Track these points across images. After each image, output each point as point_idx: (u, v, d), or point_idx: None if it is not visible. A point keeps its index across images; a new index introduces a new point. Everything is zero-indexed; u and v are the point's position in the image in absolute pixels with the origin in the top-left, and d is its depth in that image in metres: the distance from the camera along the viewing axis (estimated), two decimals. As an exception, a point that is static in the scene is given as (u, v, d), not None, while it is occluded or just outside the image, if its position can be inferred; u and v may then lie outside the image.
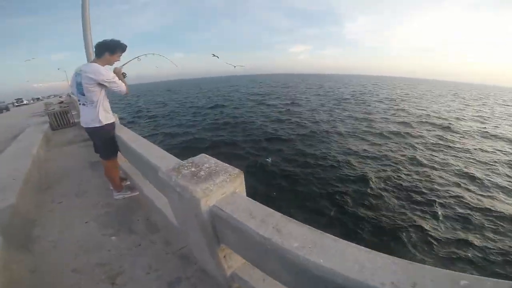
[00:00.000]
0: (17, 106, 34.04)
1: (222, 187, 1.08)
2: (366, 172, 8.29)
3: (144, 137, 2.64)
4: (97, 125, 2.46)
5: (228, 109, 21.52)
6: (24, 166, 3.28)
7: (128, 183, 2.99)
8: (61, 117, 7.84)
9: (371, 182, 7.59)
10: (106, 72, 2.30)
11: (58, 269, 1.84)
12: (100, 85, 2.32)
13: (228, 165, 1.19)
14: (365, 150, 10.72)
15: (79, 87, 2.33)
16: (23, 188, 2.70)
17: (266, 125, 14.87)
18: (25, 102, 37.71)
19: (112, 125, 2.61)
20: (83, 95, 2.33)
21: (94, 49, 2.43)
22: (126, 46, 2.47)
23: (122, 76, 2.62)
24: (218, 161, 1.25)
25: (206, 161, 1.26)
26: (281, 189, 7.25)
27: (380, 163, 9.39)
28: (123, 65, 2.82)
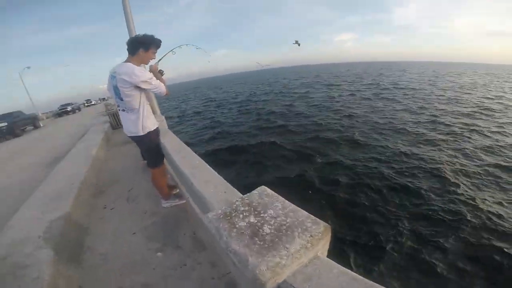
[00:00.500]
0: (87, 106, 38.16)
1: (300, 257, 0.74)
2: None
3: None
4: (141, 133, 2.24)
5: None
6: (83, 170, 3.39)
7: (178, 191, 2.78)
8: (119, 117, 8.24)
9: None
10: (141, 73, 2.00)
11: (104, 286, 1.75)
12: (138, 88, 2.05)
13: (306, 214, 0.84)
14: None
15: (116, 91, 2.08)
16: (79, 194, 2.74)
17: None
18: (93, 102, 42.00)
19: (156, 132, 2.40)
20: (122, 100, 2.09)
21: (127, 47, 2.12)
22: (161, 42, 2.20)
23: (159, 74, 2.39)
24: (288, 203, 0.90)
25: (270, 202, 0.92)
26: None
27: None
28: (158, 61, 2.58)
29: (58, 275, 1.64)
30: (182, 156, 1.94)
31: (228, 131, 12.09)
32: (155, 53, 2.21)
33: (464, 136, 9.11)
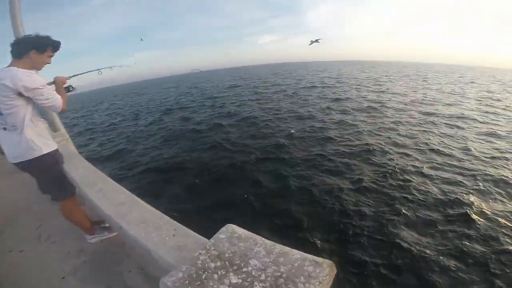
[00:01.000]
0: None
1: None
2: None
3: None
4: (29, 157, 1.68)
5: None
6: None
7: (107, 225, 2.18)
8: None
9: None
10: (29, 77, 1.54)
11: None
12: (22, 96, 1.57)
13: (300, 254, 0.60)
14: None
15: None
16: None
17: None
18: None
19: (53, 156, 1.83)
20: (1, 114, 1.57)
21: (11, 49, 1.63)
22: (60, 44, 1.75)
23: (63, 88, 1.91)
24: (271, 244, 0.65)
25: (247, 248, 0.66)
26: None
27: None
28: (73, 76, 2.15)
29: None
30: (99, 189, 1.44)
31: (150, 146, 10.08)
32: (51, 56, 1.75)
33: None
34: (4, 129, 1.62)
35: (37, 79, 1.59)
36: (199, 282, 0.61)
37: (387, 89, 20.43)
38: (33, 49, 1.62)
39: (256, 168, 6.91)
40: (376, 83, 25.34)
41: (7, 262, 2.00)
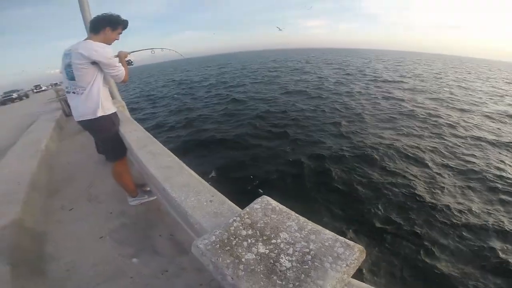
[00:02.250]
0: (36, 92, 33.86)
1: None
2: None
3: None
4: (91, 116, 1.88)
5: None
6: (31, 166, 2.84)
7: (148, 189, 2.38)
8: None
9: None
10: (101, 49, 1.75)
11: None
12: (95, 65, 1.77)
13: (333, 235, 0.60)
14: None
15: (67, 70, 1.78)
16: (29, 195, 2.28)
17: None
18: (43, 88, 37.30)
19: (113, 118, 2.03)
20: (73, 79, 1.79)
21: (89, 25, 1.88)
22: (128, 23, 1.99)
23: (125, 62, 2.09)
24: (305, 220, 0.64)
25: (280, 221, 0.66)
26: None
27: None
28: (132, 51, 2.31)
29: None
30: (149, 152, 1.55)
31: (201, 118, 11.17)
32: (120, 34, 1.99)
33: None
34: (74, 92, 1.84)
35: (108, 51, 1.80)
36: (229, 248, 0.63)
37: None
38: (108, 26, 1.86)
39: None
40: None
41: (56, 220, 2.21)
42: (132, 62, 2.30)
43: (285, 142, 7.94)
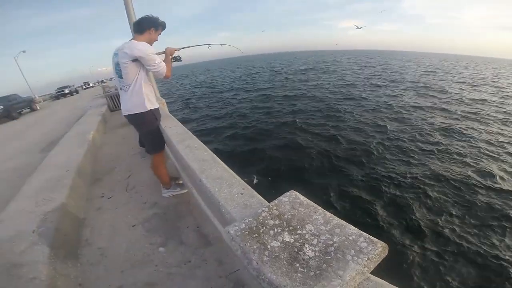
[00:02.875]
0: (85, 88, 37.15)
1: (353, 285, 0.54)
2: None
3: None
4: (135, 111, 2.03)
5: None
6: (78, 156, 3.14)
7: (181, 182, 2.52)
8: (117, 99, 7.90)
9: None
10: (142, 46, 1.87)
11: (104, 284, 1.57)
12: (137, 62, 1.90)
13: (357, 231, 0.62)
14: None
15: (117, 69, 1.96)
16: (75, 182, 2.50)
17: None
18: (91, 85, 40.78)
19: (155, 113, 2.16)
20: (122, 77, 1.95)
21: (134, 26, 2.06)
22: (166, 25, 2.14)
23: (170, 58, 2.22)
24: (331, 216, 0.68)
25: (306, 214, 0.70)
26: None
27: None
28: (183, 48, 2.42)
29: (56, 274, 1.46)
30: (187, 146, 1.66)
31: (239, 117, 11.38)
32: (160, 34, 2.14)
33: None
34: (122, 89, 2.02)
35: (148, 48, 1.90)
36: (257, 235, 0.67)
37: None
38: (152, 27, 2.02)
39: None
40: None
41: (96, 207, 2.40)
42: (180, 58, 2.36)
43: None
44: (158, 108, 2.23)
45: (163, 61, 2.06)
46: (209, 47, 2.88)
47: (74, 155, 3.18)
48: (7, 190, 2.94)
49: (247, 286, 1.42)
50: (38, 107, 16.45)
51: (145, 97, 2.03)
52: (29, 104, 15.48)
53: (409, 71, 30.44)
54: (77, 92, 27.80)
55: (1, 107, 12.13)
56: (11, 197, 2.29)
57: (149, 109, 2.07)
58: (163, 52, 2.23)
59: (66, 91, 25.28)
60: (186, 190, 2.38)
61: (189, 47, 2.59)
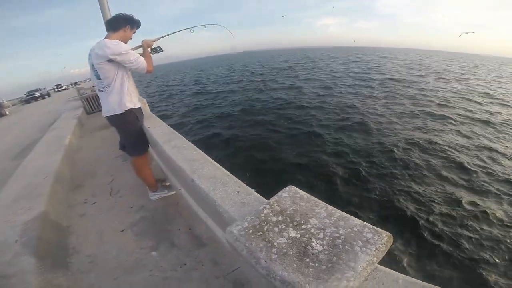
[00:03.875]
0: (57, 91, 35.30)
1: (365, 276, 0.54)
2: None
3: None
4: (116, 112, 1.93)
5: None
6: (55, 161, 2.98)
7: (168, 184, 2.45)
8: (93, 101, 7.59)
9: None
10: (114, 45, 1.77)
11: None
12: (112, 62, 1.80)
13: (360, 222, 0.62)
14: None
15: (93, 70, 1.86)
16: (54, 189, 2.37)
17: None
18: (64, 87, 38.78)
19: (137, 113, 2.08)
20: (99, 78, 1.87)
21: (107, 24, 1.97)
22: (140, 23, 2.07)
23: (148, 50, 2.13)
24: (332, 208, 0.68)
25: (308, 208, 0.69)
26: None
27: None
28: (160, 37, 2.28)
29: (47, 284, 1.40)
30: (174, 146, 1.60)
31: (218, 115, 11.41)
32: (134, 33, 2.07)
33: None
34: (101, 91, 1.92)
35: (121, 46, 1.81)
36: (261, 233, 0.66)
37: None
38: (127, 25, 1.95)
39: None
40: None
41: (79, 213, 2.29)
42: (161, 49, 2.23)
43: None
44: (140, 107, 2.15)
45: (141, 55, 1.99)
46: (191, 31, 2.67)
47: (50, 161, 3.01)
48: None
49: (247, 285, 1.40)
50: (7, 112, 15.51)
51: (126, 96, 1.95)
52: (-3, 109, 14.57)
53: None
54: (49, 95, 26.41)
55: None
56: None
57: (130, 107, 1.98)
58: (140, 46, 2.12)
59: (37, 94, 24.04)
60: (174, 192, 2.32)
61: (168, 35, 2.44)
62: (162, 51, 2.23)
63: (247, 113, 11.26)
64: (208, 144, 7.79)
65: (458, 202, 4.92)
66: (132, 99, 2.01)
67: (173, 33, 2.57)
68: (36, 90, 25.21)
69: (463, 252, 3.87)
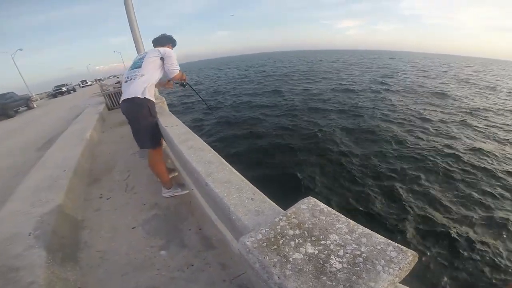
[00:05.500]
0: (82, 87, 36.93)
1: None
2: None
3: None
4: (138, 95, 2.08)
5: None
6: (76, 155, 3.07)
7: (176, 173, 2.55)
8: (115, 97, 7.82)
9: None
10: (169, 51, 2.24)
11: None
12: (162, 61, 2.21)
13: (384, 239, 0.57)
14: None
15: (138, 62, 2.19)
16: (72, 182, 2.43)
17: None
18: (88, 83, 40.55)
19: (148, 105, 2.17)
20: (139, 67, 2.15)
21: (156, 41, 2.48)
22: (176, 42, 2.56)
23: (181, 76, 2.46)
24: (355, 224, 0.63)
25: (329, 223, 0.64)
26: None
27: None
28: (191, 87, 2.81)
29: (54, 278, 1.39)
30: (190, 147, 1.59)
31: (234, 118, 11.22)
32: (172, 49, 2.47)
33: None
34: (131, 79, 2.12)
35: (173, 52, 2.26)
36: (276, 246, 0.62)
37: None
38: (170, 43, 2.46)
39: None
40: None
41: (94, 208, 2.33)
42: (185, 85, 2.67)
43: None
44: (154, 103, 2.26)
45: (180, 73, 2.35)
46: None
47: (71, 154, 3.11)
48: (2, 190, 2.87)
49: (252, 290, 1.37)
50: (35, 105, 16.34)
51: (148, 89, 2.13)
52: (26, 103, 15.33)
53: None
54: (74, 90, 27.63)
55: (-3, 105, 12.01)
56: (7, 197, 2.21)
57: (145, 97, 2.12)
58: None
59: (64, 89, 25.15)
60: (187, 191, 2.33)
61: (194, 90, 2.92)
62: (184, 87, 2.71)
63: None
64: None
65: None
66: (150, 94, 2.18)
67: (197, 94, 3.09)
68: (63, 85, 26.44)
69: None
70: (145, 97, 2.10)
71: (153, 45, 2.45)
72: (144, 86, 2.11)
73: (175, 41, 2.52)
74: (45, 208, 1.95)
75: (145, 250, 1.78)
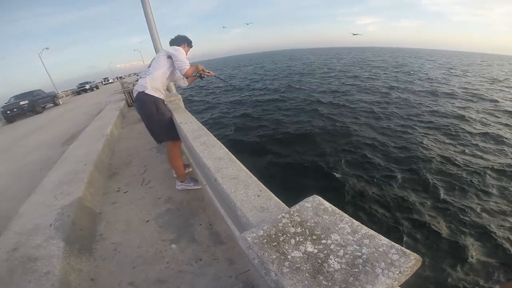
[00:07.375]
0: (104, 84, 38.34)
1: None
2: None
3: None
4: (141, 90, 2.22)
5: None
6: (96, 150, 3.20)
7: (191, 169, 2.62)
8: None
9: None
10: (176, 48, 2.27)
11: (116, 280, 1.58)
12: (169, 60, 2.28)
13: (387, 241, 0.56)
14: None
15: (151, 62, 2.36)
16: (92, 176, 2.54)
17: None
18: (110, 81, 42.01)
19: (154, 101, 2.27)
20: (149, 67, 2.32)
21: (172, 42, 2.51)
22: (192, 43, 2.60)
23: (196, 69, 2.47)
24: (358, 224, 0.62)
25: (332, 222, 0.63)
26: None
27: None
28: (211, 75, 2.72)
29: (69, 269, 1.47)
30: (203, 143, 1.63)
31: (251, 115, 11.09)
32: (188, 51, 2.56)
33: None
34: (142, 77, 2.28)
35: (180, 48, 2.28)
36: (276, 243, 0.63)
37: None
38: (186, 42, 2.49)
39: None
40: None
41: (111, 201, 2.42)
42: (203, 77, 2.66)
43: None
44: (163, 100, 2.40)
45: (191, 68, 2.32)
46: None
47: (92, 149, 3.25)
48: (29, 183, 3.04)
49: (256, 287, 1.38)
50: (60, 102, 17.14)
51: (155, 85, 2.26)
52: (53, 99, 16.13)
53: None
54: (97, 87, 28.68)
55: (26, 102, 12.67)
56: (32, 190, 2.36)
57: (151, 93, 2.23)
58: (195, 65, 2.49)
59: (87, 86, 26.13)
60: (200, 186, 2.40)
61: (215, 76, 2.84)
62: (202, 79, 2.70)
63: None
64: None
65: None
66: (156, 91, 2.29)
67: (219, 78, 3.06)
68: (87, 83, 27.43)
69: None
70: (147, 93, 2.21)
71: (169, 46, 2.50)
72: (148, 83, 2.23)
73: (191, 41, 2.57)
74: (66, 200, 2.05)
75: (156, 244, 1.84)
